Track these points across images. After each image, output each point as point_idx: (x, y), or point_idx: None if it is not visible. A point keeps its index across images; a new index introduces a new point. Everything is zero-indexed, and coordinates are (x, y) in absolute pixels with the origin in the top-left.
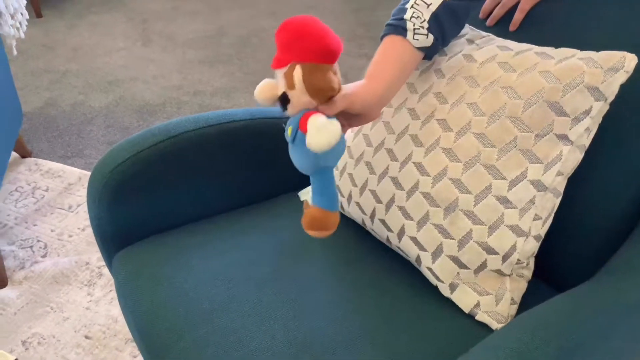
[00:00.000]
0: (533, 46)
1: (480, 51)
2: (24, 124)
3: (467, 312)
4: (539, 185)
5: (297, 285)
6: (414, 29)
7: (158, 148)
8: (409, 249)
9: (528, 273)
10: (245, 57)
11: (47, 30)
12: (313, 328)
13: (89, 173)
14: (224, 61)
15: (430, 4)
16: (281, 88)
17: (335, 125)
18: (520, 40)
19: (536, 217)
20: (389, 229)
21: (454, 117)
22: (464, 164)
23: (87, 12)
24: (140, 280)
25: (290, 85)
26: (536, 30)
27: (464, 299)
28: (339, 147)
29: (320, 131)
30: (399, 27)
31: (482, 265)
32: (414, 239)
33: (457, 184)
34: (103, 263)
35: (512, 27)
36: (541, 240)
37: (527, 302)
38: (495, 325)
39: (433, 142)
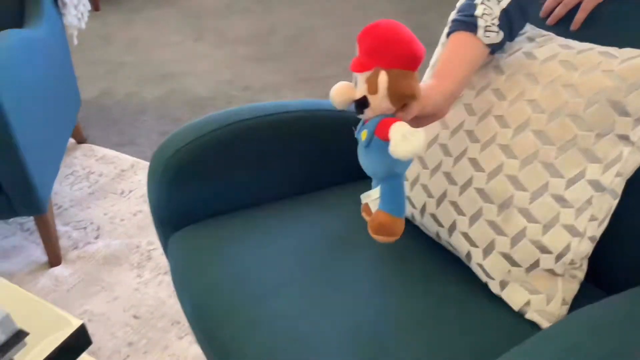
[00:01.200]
0: (595, 45)
1: (541, 49)
2: (81, 111)
3: (516, 310)
4: (597, 185)
5: (347, 274)
6: (486, 26)
7: (216, 135)
8: (460, 245)
9: (581, 274)
10: (294, 55)
11: (105, 23)
12: (361, 316)
13: (141, 160)
14: (273, 58)
15: (501, 0)
16: (361, 92)
17: (420, 134)
18: (581, 40)
19: (592, 218)
20: (440, 224)
21: (512, 114)
22: (521, 161)
23: (143, 7)
24: (195, 260)
25: (373, 90)
26: (598, 30)
27: (514, 297)
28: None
29: (407, 140)
30: (469, 24)
31: (535, 264)
32: (465, 235)
33: (513, 180)
34: (152, 247)
35: (574, 26)
36: (596, 241)
37: (577, 303)
38: (545, 324)
39: (489, 138)
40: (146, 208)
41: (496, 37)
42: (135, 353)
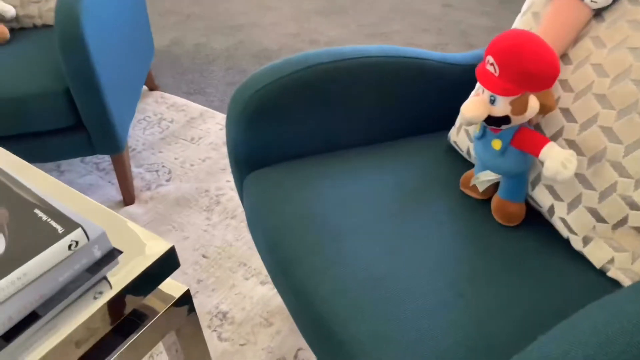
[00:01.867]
0: None
1: None
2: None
3: (598, 267)
4: None
5: (422, 223)
6: None
7: (295, 77)
8: (543, 198)
9: None
10: (360, 9)
11: None
12: (437, 263)
13: (209, 109)
14: (339, 12)
15: None
16: (503, 112)
17: (574, 159)
18: None
19: None
20: None
21: (611, 62)
22: (617, 112)
23: None
24: (271, 198)
25: (519, 111)
26: None
27: (597, 253)
28: None
29: (567, 168)
30: None
31: (623, 221)
32: (550, 188)
33: (608, 132)
34: (221, 192)
35: None
36: None
37: None
38: (628, 283)
39: (585, 87)
40: (215, 155)
41: (605, 1)
42: (204, 290)
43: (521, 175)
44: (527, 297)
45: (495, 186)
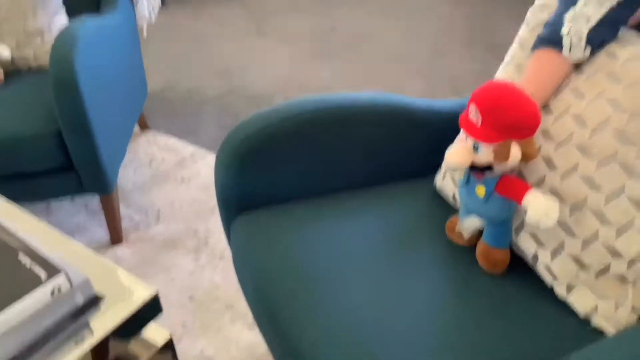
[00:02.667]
0: None
1: (624, 49)
2: (146, 101)
3: (582, 315)
4: None
5: (410, 268)
6: (571, 44)
7: (284, 124)
8: (527, 245)
9: None
10: (353, 54)
11: (171, 18)
12: (424, 310)
13: (201, 149)
14: (332, 57)
15: (591, 16)
16: (486, 159)
17: (557, 206)
18: None
19: None
20: None
21: (590, 113)
22: (597, 162)
23: (208, 4)
24: (258, 241)
25: (501, 159)
26: None
27: (581, 301)
28: None
29: (549, 216)
30: (554, 41)
31: (605, 269)
32: (534, 235)
33: (589, 181)
34: (210, 233)
35: None
36: None
37: None
38: (612, 332)
39: (565, 137)
40: (204, 196)
41: (582, 54)
42: (189, 333)
43: (505, 221)
44: (513, 346)
45: (480, 232)
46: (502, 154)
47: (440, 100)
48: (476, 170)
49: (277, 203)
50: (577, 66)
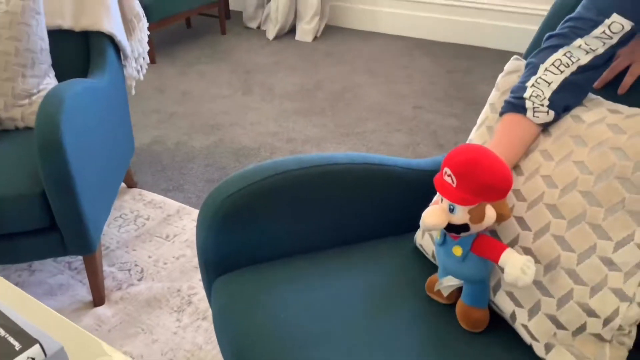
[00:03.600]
0: None
1: (589, 112)
2: (133, 157)
3: None
4: None
5: (389, 329)
6: (534, 108)
7: (265, 183)
8: (504, 304)
9: (629, 341)
10: (337, 110)
11: (160, 75)
12: None
13: (187, 206)
14: (317, 113)
15: (551, 82)
16: (462, 220)
17: (532, 264)
18: (629, 104)
19: None
20: None
21: (559, 174)
22: (568, 221)
23: (196, 62)
24: (237, 305)
25: (476, 220)
26: None
27: None
28: None
29: (526, 274)
30: (518, 106)
31: (582, 328)
32: (510, 294)
33: (560, 241)
34: (193, 291)
35: (621, 90)
36: None
37: None
38: None
39: (536, 197)
40: (189, 253)
41: (546, 117)
42: None
43: (483, 280)
44: None
45: (459, 290)
46: (478, 215)
47: (418, 160)
48: (452, 230)
49: (259, 262)
50: (545, 129)
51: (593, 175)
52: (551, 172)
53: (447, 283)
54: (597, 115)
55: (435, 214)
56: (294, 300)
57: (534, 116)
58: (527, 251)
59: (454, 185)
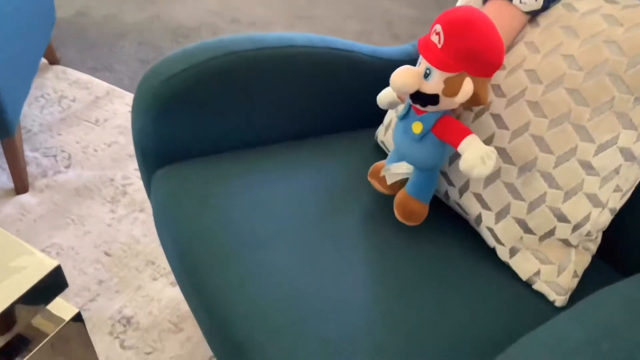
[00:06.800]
0: None
1: (583, 1)
2: (54, 30)
3: (524, 279)
4: (627, 154)
5: (345, 228)
6: None
7: (213, 64)
8: (470, 206)
9: (594, 247)
10: None
11: None
12: (360, 275)
13: (117, 88)
14: None
15: None
16: (434, 89)
17: (494, 155)
18: None
19: (617, 189)
20: (451, 183)
21: (545, 69)
22: (550, 121)
23: None
24: (181, 202)
25: (451, 92)
26: None
27: (524, 265)
28: None
29: (485, 164)
30: None
31: (550, 233)
32: (478, 196)
33: (539, 141)
34: (128, 181)
35: None
36: (615, 214)
37: (586, 278)
38: (553, 296)
39: (517, 93)
40: (122, 139)
41: (534, 3)
42: (106, 291)
43: (433, 170)
44: (455, 312)
45: (403, 184)
46: (453, 87)
47: (384, 47)
48: (419, 101)
49: (204, 155)
50: (533, 19)
51: (582, 71)
52: (536, 66)
53: (394, 170)
54: (591, 4)
55: (408, 74)
56: (244, 196)
57: (520, 2)
58: (501, 152)
59: (439, 46)
